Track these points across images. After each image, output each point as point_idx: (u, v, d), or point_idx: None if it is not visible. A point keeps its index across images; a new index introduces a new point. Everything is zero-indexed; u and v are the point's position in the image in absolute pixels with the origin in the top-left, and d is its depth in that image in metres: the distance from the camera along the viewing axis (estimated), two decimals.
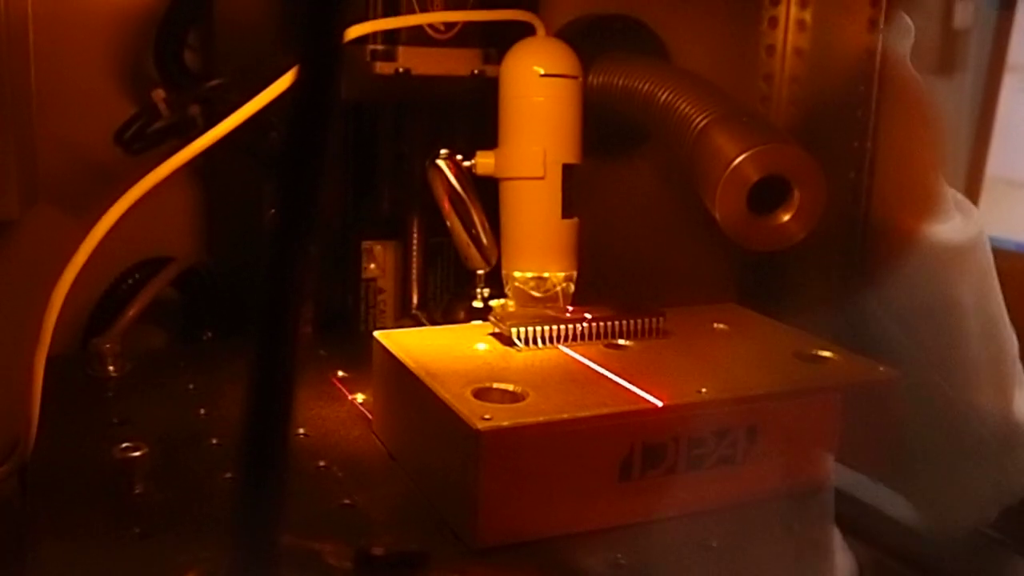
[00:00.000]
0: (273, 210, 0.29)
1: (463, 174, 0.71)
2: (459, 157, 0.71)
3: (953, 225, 0.66)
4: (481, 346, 0.62)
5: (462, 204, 0.71)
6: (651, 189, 0.95)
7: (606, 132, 0.85)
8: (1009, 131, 0.76)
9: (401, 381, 0.59)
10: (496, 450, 0.50)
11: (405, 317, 0.83)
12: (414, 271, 0.83)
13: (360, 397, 0.68)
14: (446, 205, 0.71)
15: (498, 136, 0.71)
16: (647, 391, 0.54)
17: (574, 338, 0.62)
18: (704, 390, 0.55)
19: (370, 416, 0.65)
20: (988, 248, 0.65)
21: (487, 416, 0.50)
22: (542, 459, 0.51)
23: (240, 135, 0.69)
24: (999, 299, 0.64)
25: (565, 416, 0.51)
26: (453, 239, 0.72)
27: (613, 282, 0.72)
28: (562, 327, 0.62)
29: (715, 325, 0.68)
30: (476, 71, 0.77)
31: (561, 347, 0.62)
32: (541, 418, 0.51)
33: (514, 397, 0.54)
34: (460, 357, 0.60)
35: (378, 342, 0.62)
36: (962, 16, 0.84)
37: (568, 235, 0.71)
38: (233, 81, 0.77)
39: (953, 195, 0.72)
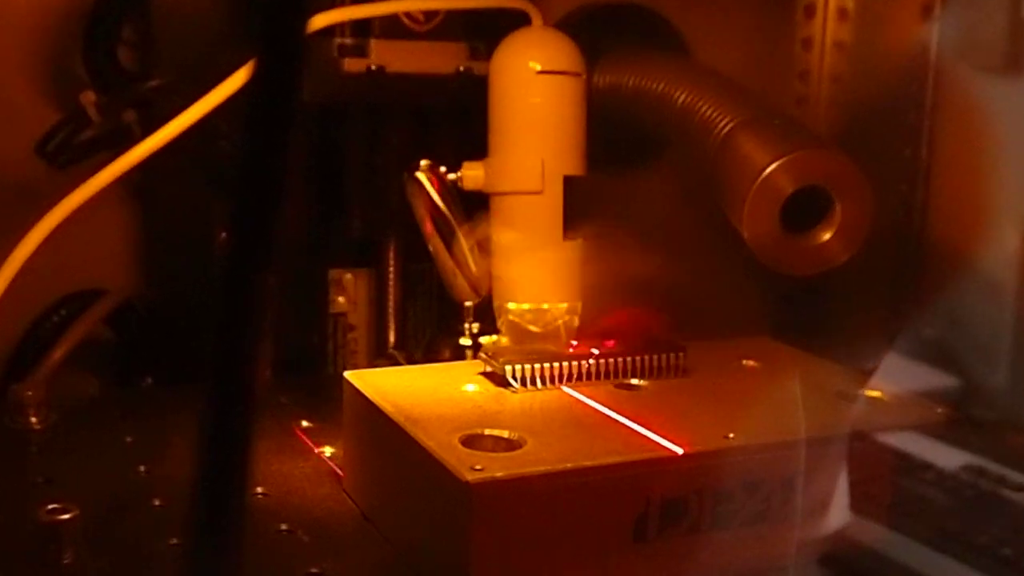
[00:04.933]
0: (224, 233, 0.30)
1: (447, 189, 0.72)
2: (443, 169, 0.73)
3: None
4: (470, 387, 0.64)
5: (446, 224, 0.72)
6: (668, 205, 0.97)
7: (615, 139, 0.87)
8: None
9: (376, 429, 0.60)
10: (489, 506, 0.51)
11: (380, 357, 0.84)
12: (391, 304, 0.85)
13: (328, 450, 0.70)
14: (428, 226, 0.73)
15: (488, 144, 0.73)
16: (665, 437, 0.56)
17: (579, 377, 0.64)
18: (731, 435, 0.56)
19: (340, 472, 0.66)
20: None
21: (478, 467, 0.51)
22: (543, 517, 0.52)
23: (184, 145, 0.71)
24: None
25: (569, 466, 0.52)
26: (436, 266, 0.74)
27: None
28: (564, 365, 0.64)
29: (744, 362, 0.70)
30: (461, 68, 0.79)
31: (564, 388, 0.63)
32: (541, 468, 0.52)
33: (509, 445, 0.55)
34: (446, 400, 0.61)
35: (349, 384, 0.64)
36: None
37: (571, 259, 0.73)
38: (175, 81, 0.79)
39: None
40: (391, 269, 0.84)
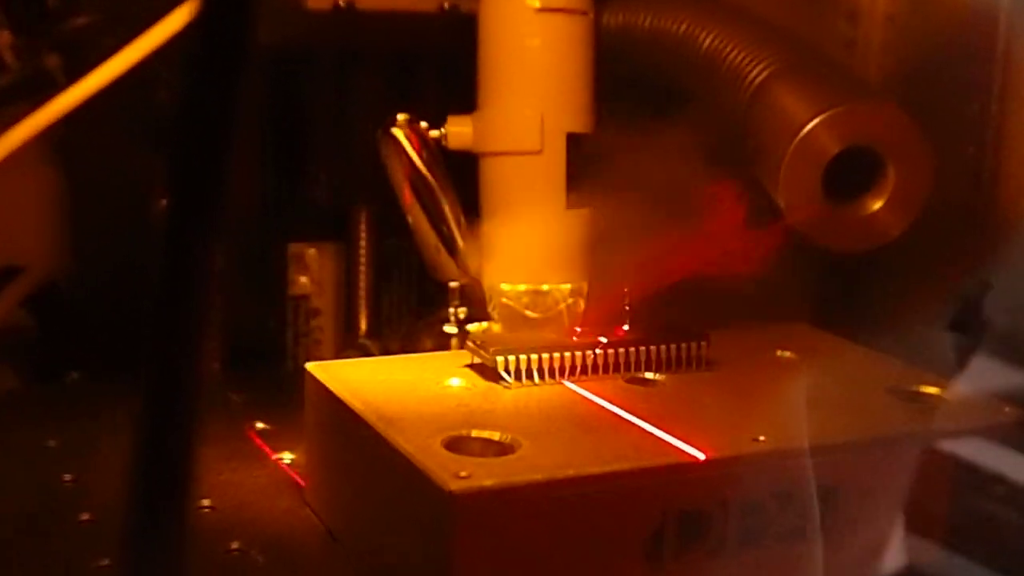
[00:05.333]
0: (165, 201, 0.31)
1: (430, 148, 0.73)
2: (424, 125, 0.73)
3: None
4: (455, 382, 0.65)
5: (428, 190, 0.73)
6: (690, 168, 0.97)
7: (627, 90, 0.87)
8: None
9: (344, 431, 0.61)
10: (476, 520, 0.51)
11: (350, 348, 0.85)
12: (362, 285, 0.85)
13: (287, 456, 0.71)
14: (406, 192, 0.73)
15: (477, 96, 0.73)
16: (684, 440, 0.56)
17: (584, 370, 0.65)
18: (762, 439, 0.57)
19: (302, 481, 0.67)
20: None
21: (463, 474, 0.52)
22: (539, 533, 0.52)
23: (116, 95, 0.71)
24: None
25: (570, 474, 0.53)
26: (416, 240, 0.74)
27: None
28: (567, 355, 0.64)
29: (779, 352, 0.71)
30: (446, 5, 0.79)
31: (566, 383, 0.64)
32: (538, 476, 0.52)
33: (501, 449, 0.56)
34: (426, 397, 0.62)
35: (312, 378, 0.64)
36: None
37: (575, 232, 0.73)
38: (106, 20, 0.79)
39: None
40: (362, 244, 0.85)
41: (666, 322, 0.68)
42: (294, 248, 0.86)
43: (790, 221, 0.71)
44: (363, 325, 0.85)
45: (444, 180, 0.73)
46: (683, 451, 0.56)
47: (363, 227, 0.85)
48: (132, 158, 0.83)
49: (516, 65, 0.72)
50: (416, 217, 0.73)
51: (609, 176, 0.76)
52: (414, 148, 0.72)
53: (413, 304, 0.87)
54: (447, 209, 0.73)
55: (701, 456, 0.55)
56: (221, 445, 0.72)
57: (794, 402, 0.62)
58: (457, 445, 0.56)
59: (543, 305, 0.72)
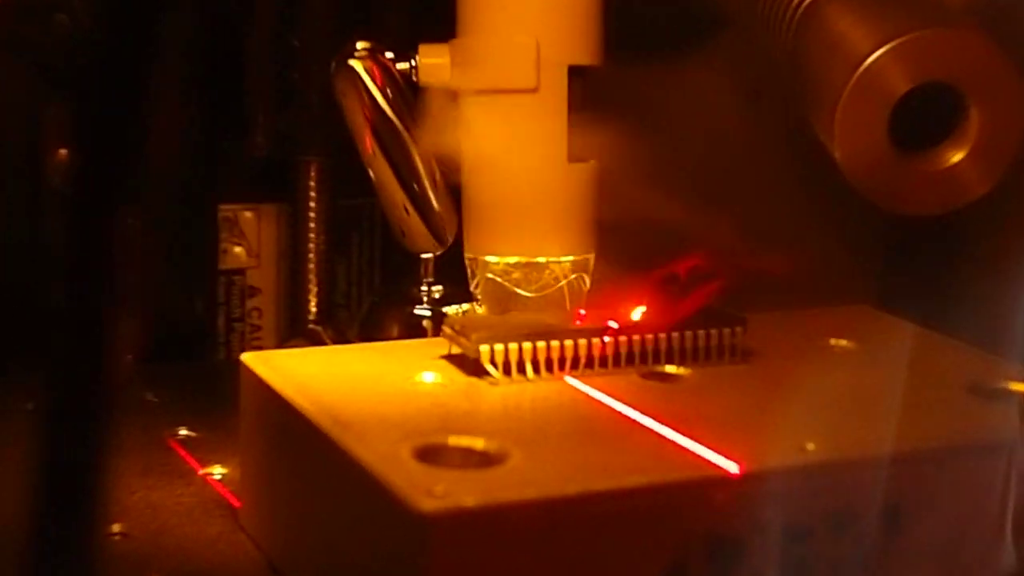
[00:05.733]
0: (65, 152, 0.31)
1: (396, 84, 0.73)
2: (389, 55, 0.73)
3: None
4: (428, 376, 0.65)
5: (395, 138, 0.73)
6: (725, 111, 0.97)
7: (645, 13, 0.88)
8: None
9: (289, 438, 0.62)
10: (454, 547, 0.51)
11: (297, 336, 0.85)
12: (311, 256, 0.85)
13: (218, 471, 0.71)
14: (367, 140, 0.73)
15: (456, 19, 0.73)
16: (713, 449, 0.57)
17: (589, 363, 0.65)
18: (811, 447, 0.57)
19: (236, 501, 0.68)
20: None
21: (439, 490, 0.52)
22: (532, 563, 0.53)
23: (5, 23, 0.72)
24: None
25: (572, 491, 0.53)
26: (380, 200, 0.75)
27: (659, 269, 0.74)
28: (568, 345, 0.65)
29: (832, 341, 0.71)
30: None
31: (567, 378, 0.65)
32: (530, 494, 0.53)
33: (485, 459, 0.56)
34: (392, 395, 0.63)
35: (250, 372, 0.65)
36: None
37: (579, 191, 0.73)
38: None
39: None
40: (311, 205, 0.85)
41: (690, 303, 0.69)
42: (226, 210, 0.86)
43: (849, 176, 0.72)
44: (312, 306, 0.85)
45: (415, 123, 0.73)
46: (712, 463, 0.56)
47: (312, 184, 0.85)
48: (24, 103, 0.83)
49: None
50: (379, 171, 0.73)
51: (623, 120, 0.76)
52: (377, 84, 0.72)
53: (375, 280, 0.88)
54: (418, 160, 0.73)
55: (734, 469, 0.55)
56: (136, 457, 0.72)
57: (851, 402, 0.62)
58: (431, 455, 0.56)
59: (539, 282, 0.72)
